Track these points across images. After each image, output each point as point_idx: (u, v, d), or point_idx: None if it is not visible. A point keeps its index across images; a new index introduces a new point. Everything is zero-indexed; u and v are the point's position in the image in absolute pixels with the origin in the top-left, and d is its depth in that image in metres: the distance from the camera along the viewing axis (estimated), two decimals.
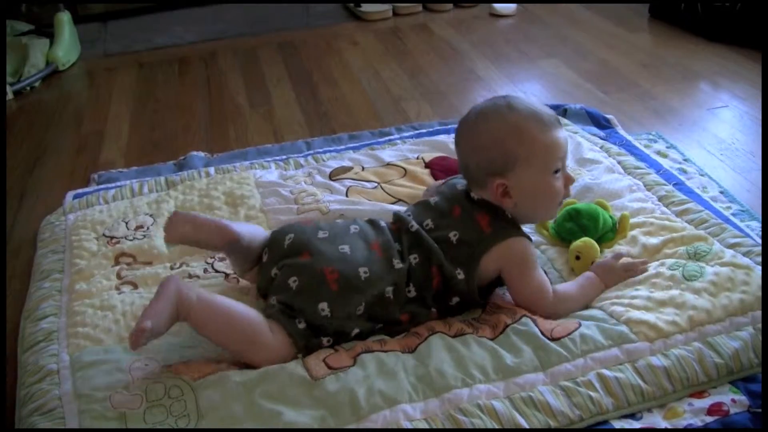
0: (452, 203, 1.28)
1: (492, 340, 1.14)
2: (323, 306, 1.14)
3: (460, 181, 1.32)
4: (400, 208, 1.44)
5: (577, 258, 1.33)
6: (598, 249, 1.33)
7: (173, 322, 1.11)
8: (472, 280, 1.21)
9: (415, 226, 1.24)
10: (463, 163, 1.27)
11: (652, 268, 1.28)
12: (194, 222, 1.25)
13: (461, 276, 1.20)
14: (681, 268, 1.25)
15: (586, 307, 1.23)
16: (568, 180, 1.26)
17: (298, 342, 1.14)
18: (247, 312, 1.14)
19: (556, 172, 1.23)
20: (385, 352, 1.13)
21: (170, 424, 1.04)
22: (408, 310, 1.20)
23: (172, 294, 1.10)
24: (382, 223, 1.28)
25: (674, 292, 1.20)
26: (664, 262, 1.28)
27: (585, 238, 1.34)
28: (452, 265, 1.21)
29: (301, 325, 1.14)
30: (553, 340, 1.13)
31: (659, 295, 1.20)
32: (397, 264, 1.20)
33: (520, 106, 1.23)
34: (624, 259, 1.29)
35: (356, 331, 1.17)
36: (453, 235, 1.22)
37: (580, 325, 1.16)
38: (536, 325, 1.15)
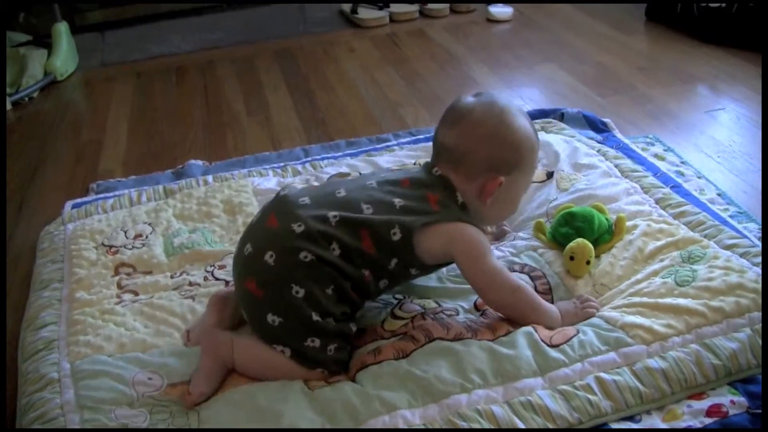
0: (401, 175, 1.26)
1: (491, 341, 1.14)
2: (272, 318, 1.11)
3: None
4: None
5: (571, 258, 1.33)
6: (592, 248, 1.33)
7: (224, 375, 1.15)
8: (410, 246, 1.16)
9: (342, 192, 1.19)
10: (461, 148, 1.21)
11: (644, 276, 1.28)
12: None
13: (396, 237, 1.15)
14: (673, 275, 1.25)
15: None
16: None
17: (297, 361, 1.12)
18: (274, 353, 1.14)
19: None
20: (379, 363, 1.13)
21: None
22: (337, 268, 1.13)
23: (217, 353, 1.14)
24: (289, 192, 1.21)
25: (668, 299, 1.20)
26: (656, 270, 1.28)
27: (579, 239, 1.35)
28: (386, 226, 1.15)
29: (288, 353, 1.12)
30: (552, 346, 1.13)
31: (653, 302, 1.20)
32: (298, 228, 1.12)
33: (528, 117, 1.27)
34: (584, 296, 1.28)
35: (317, 313, 1.11)
36: (398, 201, 1.18)
37: (578, 332, 1.16)
38: (536, 331, 1.15)
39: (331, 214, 1.15)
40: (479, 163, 1.21)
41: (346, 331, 1.16)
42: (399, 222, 1.16)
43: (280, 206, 1.19)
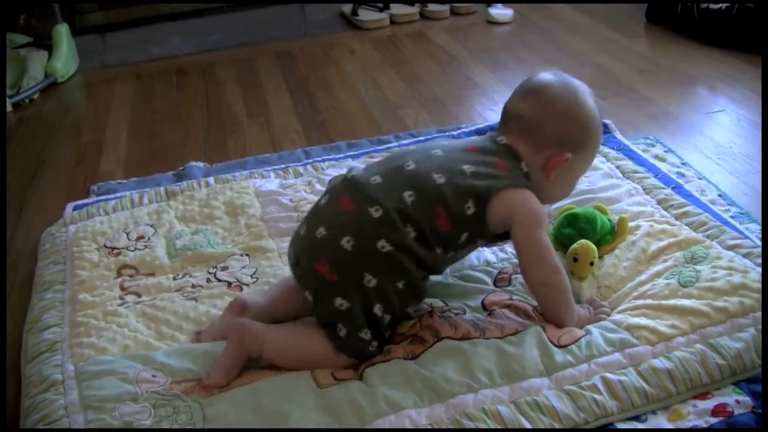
0: (466, 143, 1.28)
1: (500, 339, 1.15)
2: (339, 302, 1.12)
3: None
4: None
5: (575, 260, 1.33)
6: (595, 249, 1.34)
7: (243, 367, 1.16)
8: (483, 215, 1.17)
9: (412, 165, 1.20)
10: (535, 118, 1.23)
11: (648, 277, 1.28)
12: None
13: (471, 210, 1.16)
14: (677, 276, 1.25)
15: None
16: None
17: (340, 347, 1.14)
18: (311, 340, 1.16)
19: None
20: (387, 362, 1.13)
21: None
22: (413, 255, 1.14)
23: (242, 345, 1.15)
24: (357, 173, 1.22)
25: (672, 300, 1.20)
26: (660, 271, 1.28)
27: (582, 240, 1.35)
28: (460, 199, 1.16)
29: (342, 332, 1.13)
30: (560, 347, 1.13)
31: (657, 303, 1.20)
32: (376, 212, 1.14)
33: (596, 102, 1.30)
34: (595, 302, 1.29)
35: (381, 306, 1.13)
36: (467, 168, 1.19)
37: (586, 333, 1.16)
38: (545, 331, 1.16)
39: (407, 193, 1.15)
40: (550, 135, 1.23)
41: (388, 333, 1.17)
42: (472, 192, 1.16)
43: (352, 188, 1.19)
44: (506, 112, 1.28)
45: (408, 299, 1.18)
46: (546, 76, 1.28)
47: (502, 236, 1.23)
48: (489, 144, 1.25)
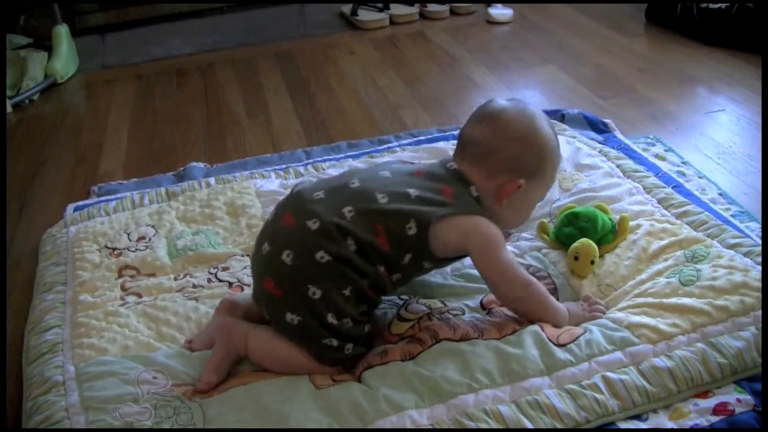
0: (415, 167, 1.26)
1: (498, 340, 1.14)
2: (290, 317, 1.12)
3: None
4: None
5: (576, 258, 1.33)
6: (596, 248, 1.34)
7: (234, 365, 1.18)
8: (425, 239, 1.14)
9: (357, 183, 1.18)
10: (489, 143, 1.21)
11: (649, 276, 1.28)
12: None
13: (412, 231, 1.14)
14: (678, 275, 1.25)
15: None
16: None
17: (315, 358, 1.14)
18: (290, 346, 1.15)
19: None
20: (385, 364, 1.13)
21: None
22: (353, 265, 1.12)
23: (229, 342, 1.17)
24: (302, 188, 1.21)
25: (673, 299, 1.20)
26: (661, 270, 1.28)
27: (582, 239, 1.35)
28: (402, 219, 1.14)
29: (311, 345, 1.13)
30: (559, 346, 1.13)
31: (658, 301, 1.20)
32: (313, 225, 1.12)
33: (554, 129, 1.29)
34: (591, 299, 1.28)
35: (333, 314, 1.11)
36: (413, 192, 1.17)
37: (585, 331, 1.16)
38: (543, 330, 1.15)
39: (347, 209, 1.14)
40: (503, 161, 1.21)
41: (362, 332, 1.16)
42: (415, 214, 1.15)
43: (294, 203, 1.19)
44: (462, 138, 1.27)
45: (359, 305, 1.15)
46: (501, 102, 1.27)
47: (455, 259, 1.23)
48: (438, 169, 1.24)
